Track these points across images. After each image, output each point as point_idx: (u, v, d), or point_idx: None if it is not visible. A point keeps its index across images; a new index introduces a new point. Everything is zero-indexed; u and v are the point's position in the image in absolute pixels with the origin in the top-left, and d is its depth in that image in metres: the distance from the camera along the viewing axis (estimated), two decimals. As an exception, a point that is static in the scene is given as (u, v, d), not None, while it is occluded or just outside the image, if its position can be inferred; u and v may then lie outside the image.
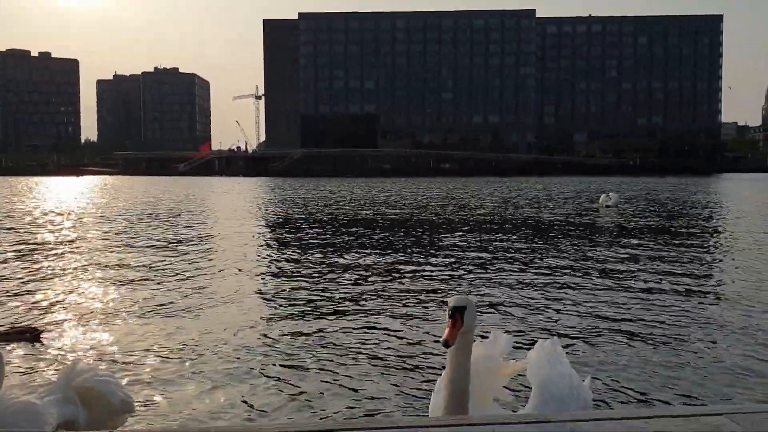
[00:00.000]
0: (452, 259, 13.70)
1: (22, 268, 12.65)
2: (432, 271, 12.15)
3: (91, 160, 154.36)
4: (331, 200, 38.04)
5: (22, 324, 7.90)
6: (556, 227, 21.31)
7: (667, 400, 5.55)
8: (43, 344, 7.12)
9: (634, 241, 17.01)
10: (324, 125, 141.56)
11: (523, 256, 14.27)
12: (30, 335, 7.27)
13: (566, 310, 8.86)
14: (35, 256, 14.58)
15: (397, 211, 29.21)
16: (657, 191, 48.99)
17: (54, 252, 15.22)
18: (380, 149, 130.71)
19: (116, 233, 19.69)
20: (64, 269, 12.61)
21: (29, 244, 17.03)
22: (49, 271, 12.30)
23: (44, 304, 9.33)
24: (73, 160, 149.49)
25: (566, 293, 10.03)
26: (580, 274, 11.83)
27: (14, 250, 15.50)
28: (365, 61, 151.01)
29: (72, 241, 17.59)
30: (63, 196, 46.10)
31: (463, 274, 11.84)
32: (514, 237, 18.23)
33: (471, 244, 16.42)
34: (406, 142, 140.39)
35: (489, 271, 12.25)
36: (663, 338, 7.44)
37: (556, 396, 3.26)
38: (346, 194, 45.92)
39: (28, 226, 22.16)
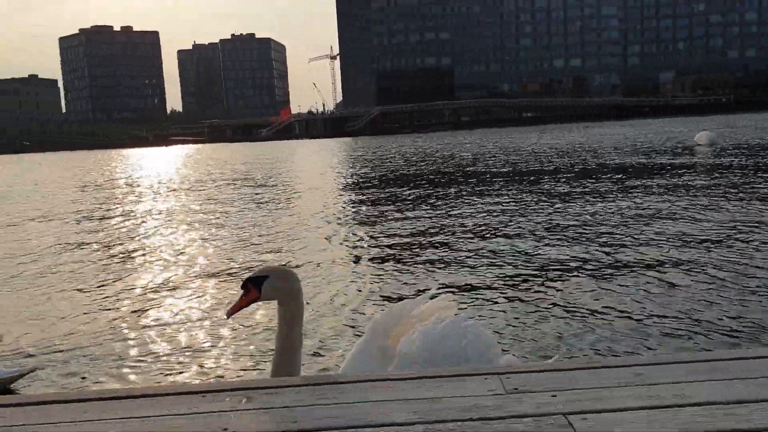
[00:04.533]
0: (542, 207, 13.31)
1: (158, 232, 13.18)
2: (532, 220, 11.84)
3: (177, 129, 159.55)
4: (415, 155, 37.83)
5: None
6: (649, 170, 20.38)
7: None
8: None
9: (738, 179, 16.03)
10: (400, 81, 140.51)
11: (631, 203, 13.70)
12: None
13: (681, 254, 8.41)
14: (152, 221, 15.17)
15: (483, 163, 28.72)
16: (760, 128, 46.08)
17: (158, 216, 15.81)
18: (458, 101, 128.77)
19: (213, 196, 20.23)
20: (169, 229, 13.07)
21: (144, 211, 17.73)
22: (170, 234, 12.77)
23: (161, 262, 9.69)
24: (160, 130, 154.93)
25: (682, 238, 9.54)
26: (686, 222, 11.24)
27: (136, 217, 16.17)
28: (439, 12, 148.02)
29: (171, 207, 18.22)
30: (159, 165, 47.88)
31: (551, 224, 11.48)
32: (610, 182, 17.55)
33: (565, 190, 15.91)
34: (484, 92, 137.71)
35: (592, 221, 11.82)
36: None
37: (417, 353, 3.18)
38: (430, 149, 45.55)
39: (148, 193, 23.12)
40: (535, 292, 7.06)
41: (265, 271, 2.88)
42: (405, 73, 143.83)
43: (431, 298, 3.77)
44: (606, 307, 6.37)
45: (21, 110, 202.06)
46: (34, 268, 10.15)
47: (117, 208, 19.05)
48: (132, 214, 17.28)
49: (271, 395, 2.25)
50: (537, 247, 9.49)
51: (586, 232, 10.51)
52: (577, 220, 11.67)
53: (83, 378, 5.34)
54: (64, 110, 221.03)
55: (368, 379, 2.34)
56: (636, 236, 9.85)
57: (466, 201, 15.41)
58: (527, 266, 8.30)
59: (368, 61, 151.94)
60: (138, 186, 27.80)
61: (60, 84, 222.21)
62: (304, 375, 2.91)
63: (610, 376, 2.25)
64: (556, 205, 13.66)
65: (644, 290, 6.84)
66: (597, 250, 8.99)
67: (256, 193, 20.68)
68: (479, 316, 6.19)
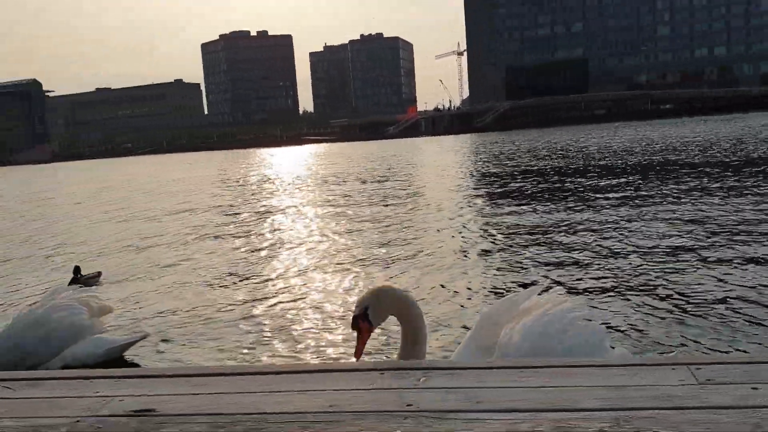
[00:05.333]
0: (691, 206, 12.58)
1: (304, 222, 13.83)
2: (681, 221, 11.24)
3: (309, 129, 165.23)
4: (543, 151, 36.97)
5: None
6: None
7: None
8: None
9: None
10: (529, 75, 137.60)
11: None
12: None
13: None
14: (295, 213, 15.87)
15: (615, 157, 27.56)
16: None
17: (289, 210, 16.49)
18: (591, 94, 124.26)
19: (339, 192, 20.80)
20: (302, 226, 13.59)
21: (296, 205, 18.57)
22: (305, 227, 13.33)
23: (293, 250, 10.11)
24: (294, 130, 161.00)
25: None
26: None
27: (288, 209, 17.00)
28: (570, 3, 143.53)
29: (305, 201, 18.93)
30: (293, 163, 49.89)
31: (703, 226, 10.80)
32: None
33: (712, 190, 14.96)
34: (620, 85, 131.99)
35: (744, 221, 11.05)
36: None
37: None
38: (559, 144, 44.33)
39: (284, 189, 24.23)
40: (654, 287, 6.70)
41: (364, 302, 2.88)
42: (535, 66, 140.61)
43: (542, 292, 3.69)
44: (735, 301, 5.93)
45: (168, 113, 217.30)
46: (171, 255, 10.91)
47: (251, 202, 20.04)
48: (266, 207, 18.13)
49: (451, 376, 2.27)
50: (663, 244, 8.98)
51: (721, 229, 9.81)
52: (713, 219, 10.91)
53: (193, 348, 5.80)
54: (206, 112, 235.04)
55: (552, 365, 2.31)
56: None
57: (592, 197, 14.86)
58: (647, 262, 7.88)
59: (496, 55, 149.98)
60: (275, 182, 29.06)
61: (202, 87, 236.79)
62: (489, 359, 2.93)
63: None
64: (691, 202, 12.86)
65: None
66: (729, 246, 8.38)
67: (379, 189, 21.01)
68: (591, 307, 6.01)
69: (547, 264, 8.39)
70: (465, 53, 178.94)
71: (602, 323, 4.30)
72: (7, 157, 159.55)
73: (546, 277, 7.66)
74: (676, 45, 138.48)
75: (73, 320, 5.29)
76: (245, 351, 5.74)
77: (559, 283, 7.16)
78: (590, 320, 3.56)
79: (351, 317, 2.91)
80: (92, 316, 5.47)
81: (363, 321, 2.85)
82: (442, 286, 7.55)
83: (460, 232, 11.60)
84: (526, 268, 8.23)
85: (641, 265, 7.87)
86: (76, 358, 5.19)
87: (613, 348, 3.83)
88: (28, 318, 5.25)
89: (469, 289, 7.46)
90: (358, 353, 2.89)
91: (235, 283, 8.56)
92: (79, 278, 8.63)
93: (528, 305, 3.50)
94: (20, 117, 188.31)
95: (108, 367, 4.95)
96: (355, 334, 2.92)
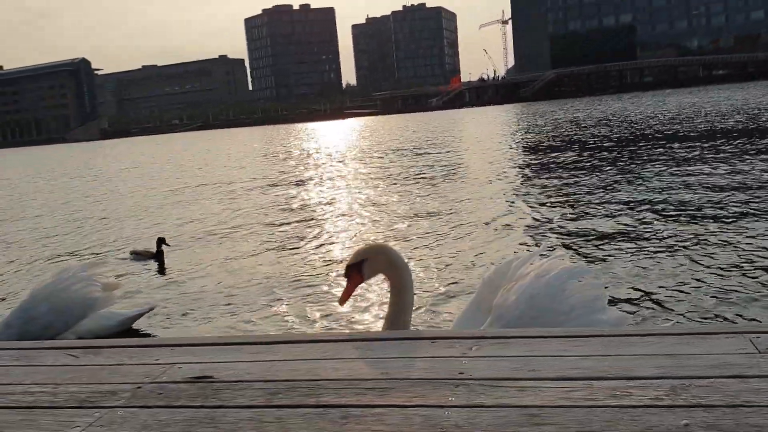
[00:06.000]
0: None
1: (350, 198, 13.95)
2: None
3: (352, 103, 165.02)
4: (588, 120, 36.22)
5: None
6: None
7: None
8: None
9: None
10: (575, 43, 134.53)
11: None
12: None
13: None
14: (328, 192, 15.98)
15: (664, 126, 26.84)
16: None
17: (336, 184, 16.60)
18: (640, 61, 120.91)
19: (380, 165, 20.80)
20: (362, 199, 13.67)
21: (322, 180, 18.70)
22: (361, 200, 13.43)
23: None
24: (336, 104, 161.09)
25: None
26: None
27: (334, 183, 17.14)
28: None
29: (338, 176, 19.02)
30: (336, 137, 50.08)
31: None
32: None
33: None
34: (669, 51, 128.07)
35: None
36: None
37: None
38: (606, 113, 43.36)
39: (326, 162, 24.40)
40: (706, 254, 6.53)
41: (362, 255, 2.98)
42: (581, 33, 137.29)
43: (543, 255, 3.68)
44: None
45: (213, 89, 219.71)
46: (218, 228, 11.10)
47: (295, 175, 20.20)
48: (311, 181, 18.27)
49: (502, 344, 2.27)
50: (716, 211, 8.74)
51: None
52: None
53: (208, 320, 6.00)
54: (250, 87, 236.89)
55: (604, 334, 2.29)
56: None
57: (629, 169, 14.52)
58: (660, 229, 7.68)
59: (542, 23, 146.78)
60: (316, 156, 29.23)
61: (246, 63, 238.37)
62: (539, 328, 2.91)
63: None
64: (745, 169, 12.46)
65: None
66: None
67: (417, 162, 20.92)
68: (591, 265, 5.98)
69: (599, 230, 8.27)
70: (509, 21, 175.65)
71: (605, 286, 4.21)
72: (62, 135, 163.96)
73: (595, 243, 7.55)
74: (730, 7, 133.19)
75: (86, 293, 5.50)
76: (292, 319, 5.87)
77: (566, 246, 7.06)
78: (588, 279, 3.55)
79: (345, 265, 3.03)
80: (104, 290, 5.69)
81: (357, 272, 2.96)
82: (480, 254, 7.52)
83: (510, 205, 11.51)
84: (575, 236, 8.13)
85: (696, 232, 7.70)
86: (90, 330, 5.42)
87: (612, 307, 3.82)
88: (45, 291, 5.44)
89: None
90: (343, 300, 3.02)
91: (288, 249, 8.71)
92: (161, 251, 8.60)
93: (527, 269, 3.49)
94: (71, 95, 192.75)
95: (120, 337, 5.19)
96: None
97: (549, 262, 3.54)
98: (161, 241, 8.68)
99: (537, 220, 9.76)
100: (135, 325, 5.89)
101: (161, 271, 8.32)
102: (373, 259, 2.95)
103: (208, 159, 35.03)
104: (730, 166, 13.21)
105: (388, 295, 2.98)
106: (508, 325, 3.17)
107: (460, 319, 3.61)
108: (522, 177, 15.13)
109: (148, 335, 5.73)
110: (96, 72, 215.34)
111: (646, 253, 7.09)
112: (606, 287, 4.17)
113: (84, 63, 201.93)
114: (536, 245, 8.00)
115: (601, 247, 7.61)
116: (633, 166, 14.88)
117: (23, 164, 51.22)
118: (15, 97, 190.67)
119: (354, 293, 3.11)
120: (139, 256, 9.01)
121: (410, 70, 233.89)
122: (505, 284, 3.46)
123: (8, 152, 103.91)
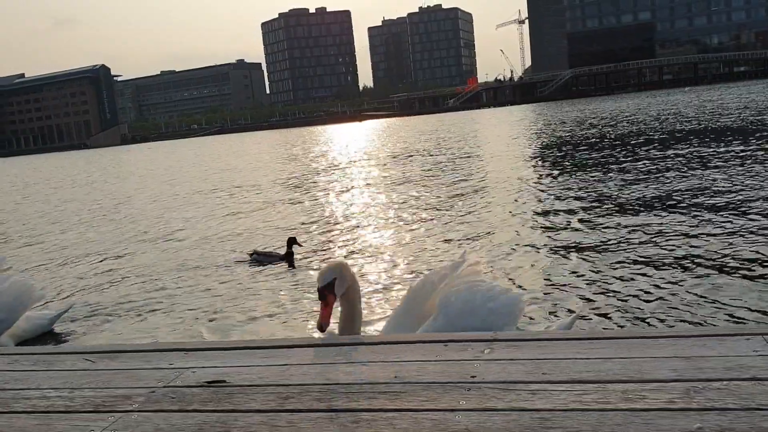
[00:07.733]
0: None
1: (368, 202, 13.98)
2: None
3: (369, 105, 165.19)
4: (604, 120, 35.95)
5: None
6: None
7: None
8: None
9: None
10: (593, 41, 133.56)
11: None
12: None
13: None
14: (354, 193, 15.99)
15: (676, 125, 26.56)
16: None
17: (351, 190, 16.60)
18: (660, 59, 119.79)
19: (396, 168, 20.79)
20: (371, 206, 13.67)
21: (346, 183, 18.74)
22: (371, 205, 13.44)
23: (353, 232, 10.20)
24: (353, 106, 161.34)
25: None
26: None
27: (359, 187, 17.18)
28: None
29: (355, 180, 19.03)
30: (354, 140, 50.10)
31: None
32: None
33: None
34: (689, 48, 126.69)
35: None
36: None
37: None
38: (624, 112, 43.01)
39: (342, 165, 24.46)
40: (723, 256, 6.43)
41: (331, 274, 3.01)
42: (599, 32, 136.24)
43: (470, 265, 3.85)
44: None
45: (231, 93, 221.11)
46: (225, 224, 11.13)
47: (310, 179, 20.23)
48: (327, 184, 18.28)
49: (514, 347, 2.26)
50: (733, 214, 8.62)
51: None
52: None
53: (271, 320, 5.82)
54: (268, 91, 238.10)
55: (617, 336, 2.27)
56: None
57: (645, 170, 14.37)
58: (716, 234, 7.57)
59: (559, 22, 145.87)
60: (333, 159, 29.30)
61: (263, 66, 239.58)
62: (551, 329, 2.90)
63: None
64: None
65: None
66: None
67: (434, 164, 20.88)
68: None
69: (618, 228, 8.20)
70: (526, 21, 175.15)
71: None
72: (83, 141, 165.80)
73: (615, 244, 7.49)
74: (751, 3, 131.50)
75: (23, 293, 5.45)
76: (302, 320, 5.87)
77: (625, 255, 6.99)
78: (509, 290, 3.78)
79: (317, 289, 3.06)
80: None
81: (330, 292, 3.01)
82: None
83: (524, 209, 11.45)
84: (595, 241, 8.07)
85: (710, 236, 7.61)
86: (27, 331, 5.46)
87: (532, 319, 4.16)
88: None
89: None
90: (324, 325, 2.99)
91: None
92: (292, 251, 7.94)
93: (451, 279, 3.71)
94: (92, 102, 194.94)
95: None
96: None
97: (474, 271, 3.77)
98: (292, 241, 7.98)
99: (550, 217, 9.69)
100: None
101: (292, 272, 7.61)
102: (341, 277, 3.03)
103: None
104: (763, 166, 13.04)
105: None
106: (450, 317, 3.38)
107: (388, 326, 3.72)
108: (550, 179, 15.04)
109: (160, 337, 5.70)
110: (115, 78, 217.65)
111: (661, 254, 7.02)
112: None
113: (104, 69, 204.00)
114: (537, 250, 7.95)
115: (613, 249, 7.54)
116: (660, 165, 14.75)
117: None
118: (38, 105, 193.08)
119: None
120: (263, 257, 8.15)
121: (427, 71, 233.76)
122: (441, 287, 3.65)
123: (41, 158, 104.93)
